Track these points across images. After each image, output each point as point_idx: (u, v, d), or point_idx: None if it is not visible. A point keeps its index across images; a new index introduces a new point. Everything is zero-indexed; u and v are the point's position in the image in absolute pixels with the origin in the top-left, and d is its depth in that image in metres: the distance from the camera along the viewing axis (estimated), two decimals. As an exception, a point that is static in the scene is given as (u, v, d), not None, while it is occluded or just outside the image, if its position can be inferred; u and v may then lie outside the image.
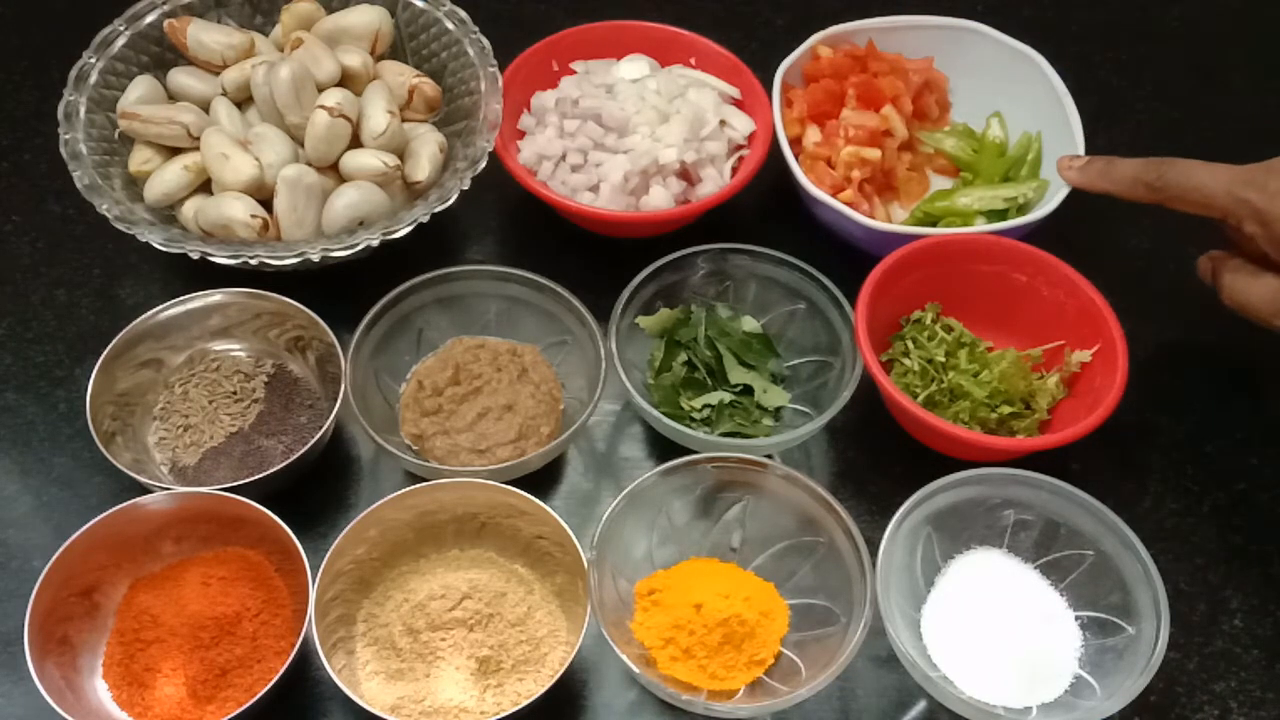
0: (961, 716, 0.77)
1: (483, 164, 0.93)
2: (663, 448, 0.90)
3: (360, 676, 0.78)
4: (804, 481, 0.81)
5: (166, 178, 0.92)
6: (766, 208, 1.04)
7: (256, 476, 0.81)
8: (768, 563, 0.84)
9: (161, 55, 1.00)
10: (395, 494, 0.79)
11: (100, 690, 0.77)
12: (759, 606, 0.80)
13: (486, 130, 0.95)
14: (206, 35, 0.97)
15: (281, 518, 0.78)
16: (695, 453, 0.83)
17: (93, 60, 0.96)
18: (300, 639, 0.75)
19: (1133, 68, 1.19)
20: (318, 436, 0.84)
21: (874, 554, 0.78)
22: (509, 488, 0.80)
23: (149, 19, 0.99)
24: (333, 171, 0.93)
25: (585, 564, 0.77)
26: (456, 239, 1.03)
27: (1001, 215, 0.98)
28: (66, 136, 0.92)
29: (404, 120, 0.97)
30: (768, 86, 1.01)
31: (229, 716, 0.72)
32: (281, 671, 0.74)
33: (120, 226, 0.88)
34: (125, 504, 0.78)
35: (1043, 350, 0.92)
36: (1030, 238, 0.94)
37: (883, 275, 0.89)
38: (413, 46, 1.04)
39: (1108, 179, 0.91)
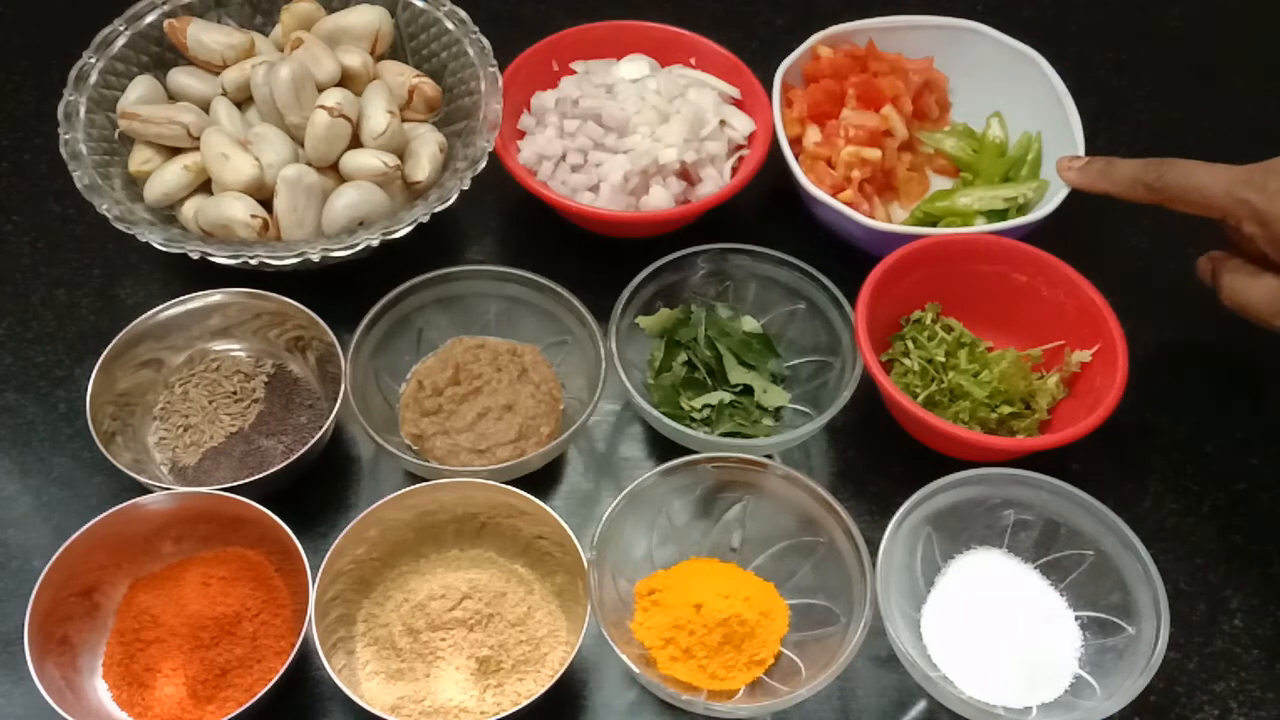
0: (961, 716, 0.77)
1: (483, 164, 0.93)
2: (663, 448, 0.90)
3: (360, 676, 0.78)
4: (804, 481, 0.81)
5: (166, 178, 0.92)
6: (766, 208, 1.04)
7: (256, 476, 0.81)
8: (768, 563, 0.84)
9: (161, 55, 1.00)
10: (395, 494, 0.79)
11: (100, 690, 0.77)
12: (759, 606, 0.80)
13: (486, 130, 0.95)
14: (206, 35, 0.97)
15: (281, 518, 0.78)
16: (695, 453, 0.83)
17: (93, 60, 0.96)
18: (300, 639, 0.75)
19: (1133, 68, 1.19)
20: (318, 436, 0.84)
21: (874, 554, 0.78)
22: (509, 488, 0.80)
23: (149, 19, 0.99)
24: (333, 171, 0.93)
25: (585, 564, 0.77)
26: (456, 239, 1.03)
27: (1001, 215, 0.98)
28: (66, 136, 0.92)
29: (404, 120, 0.97)
30: (768, 86, 1.01)
31: (229, 716, 0.72)
32: (281, 671, 0.74)
33: (120, 226, 0.88)
34: (125, 504, 0.78)
35: (1043, 350, 0.92)
36: (1030, 238, 0.94)
37: (883, 275, 0.89)
38: (413, 46, 1.04)
39: (1107, 179, 0.91)
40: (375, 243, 0.89)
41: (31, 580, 0.75)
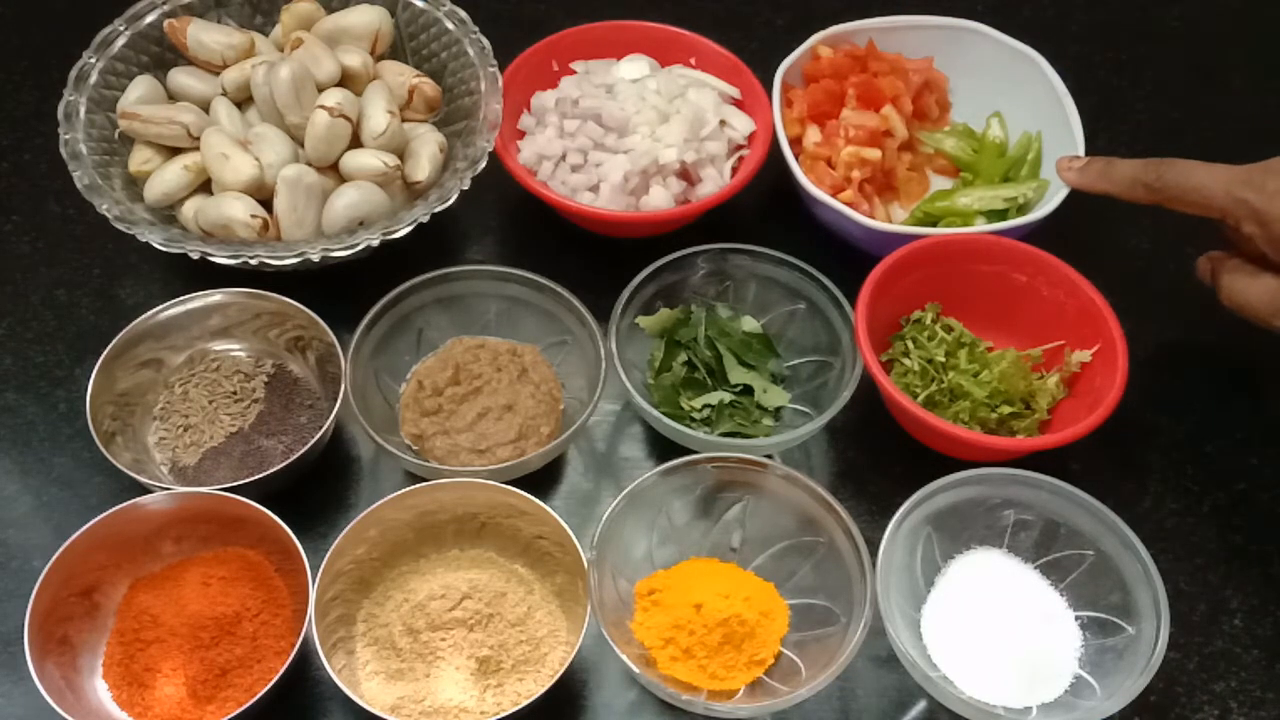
0: (961, 716, 0.77)
1: (483, 164, 0.93)
2: (663, 448, 0.90)
3: (360, 676, 0.78)
4: (804, 481, 0.81)
5: (166, 178, 0.92)
6: (766, 208, 1.04)
7: (256, 476, 0.81)
8: (768, 563, 0.84)
9: (161, 55, 1.00)
10: (395, 494, 0.79)
11: (100, 690, 0.77)
12: (759, 606, 0.80)
13: (486, 130, 0.95)
14: (206, 35, 0.97)
15: (281, 518, 0.78)
16: (695, 453, 0.83)
17: (93, 60, 0.96)
18: (300, 639, 0.75)
19: (1133, 68, 1.19)
20: (318, 436, 0.84)
21: (874, 554, 0.78)
22: (509, 488, 0.80)
23: (149, 19, 0.99)
24: (333, 171, 0.93)
25: (585, 564, 0.77)
26: (456, 239, 1.03)
27: (1001, 215, 0.98)
28: (66, 136, 0.92)
29: (404, 120, 0.97)
30: (768, 86, 1.01)
31: (229, 716, 0.72)
32: (281, 671, 0.74)
33: (120, 226, 0.88)
34: (125, 504, 0.78)
35: (1043, 350, 0.92)
36: (1030, 238, 0.94)
37: (883, 275, 0.89)
38: (413, 46, 1.04)
39: (1107, 180, 0.91)
40: (375, 243, 0.89)
41: (31, 580, 0.75)
